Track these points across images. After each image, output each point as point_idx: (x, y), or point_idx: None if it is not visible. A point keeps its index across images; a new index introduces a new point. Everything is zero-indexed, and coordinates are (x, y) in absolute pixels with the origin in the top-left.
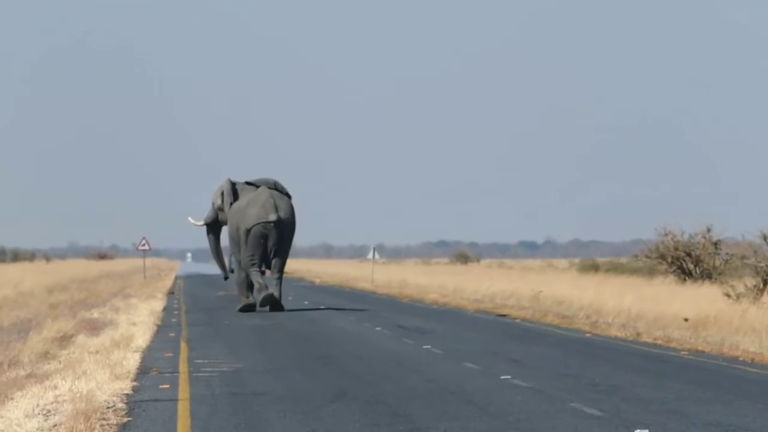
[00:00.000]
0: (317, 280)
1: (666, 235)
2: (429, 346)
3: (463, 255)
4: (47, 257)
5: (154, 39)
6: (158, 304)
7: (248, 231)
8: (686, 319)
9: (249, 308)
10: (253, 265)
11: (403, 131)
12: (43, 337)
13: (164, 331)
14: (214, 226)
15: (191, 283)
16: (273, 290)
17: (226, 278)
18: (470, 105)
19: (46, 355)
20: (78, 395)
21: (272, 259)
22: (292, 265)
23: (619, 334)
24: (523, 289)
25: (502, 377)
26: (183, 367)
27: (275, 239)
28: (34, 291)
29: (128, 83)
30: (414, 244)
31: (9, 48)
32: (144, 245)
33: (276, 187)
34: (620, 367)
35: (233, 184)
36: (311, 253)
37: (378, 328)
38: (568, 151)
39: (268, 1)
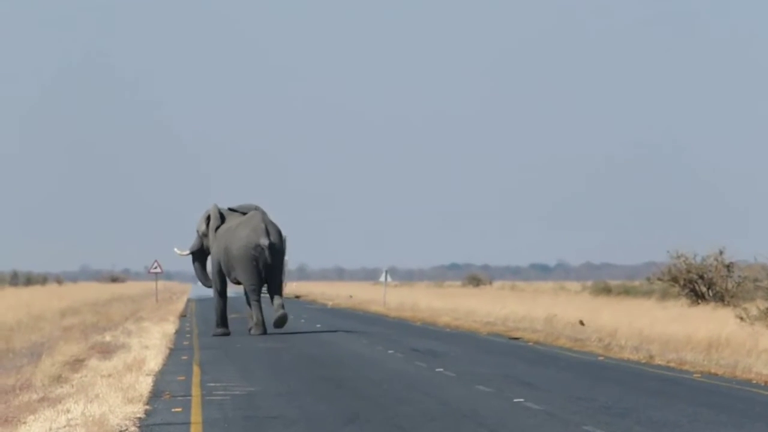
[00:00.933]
0: (330, 303)
1: (678, 257)
2: (442, 369)
3: (475, 278)
4: (59, 280)
5: (161, 67)
6: (170, 327)
7: (238, 252)
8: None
9: (225, 334)
10: (254, 291)
11: (416, 154)
12: (56, 361)
13: (177, 354)
14: (199, 255)
15: (203, 306)
16: (278, 312)
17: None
18: (481, 128)
19: (58, 379)
20: (91, 419)
21: (269, 282)
22: (305, 288)
23: (631, 357)
24: (535, 311)
25: (515, 400)
26: (195, 391)
27: (265, 263)
28: (46, 314)
29: (137, 107)
30: (426, 266)
31: (17, 71)
32: (156, 268)
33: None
34: (633, 390)
35: (219, 210)
36: (323, 275)
37: (391, 351)
38: (580, 173)
39: (281, 25)
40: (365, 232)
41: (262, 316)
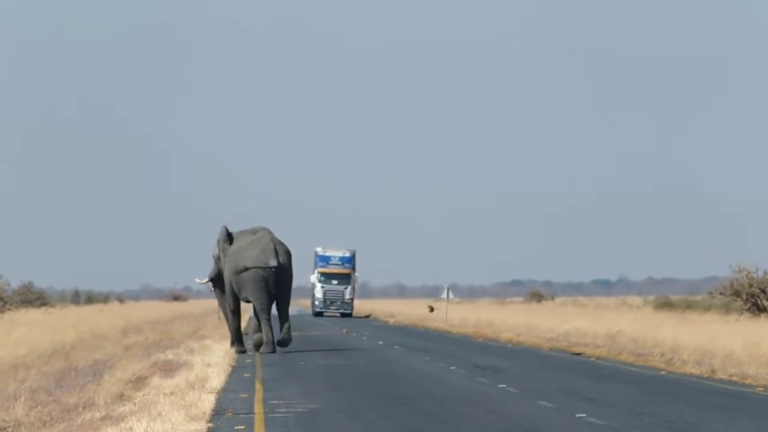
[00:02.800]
0: (391, 320)
1: (740, 271)
2: (504, 385)
3: (537, 294)
4: (121, 299)
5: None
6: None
7: (248, 273)
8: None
9: (242, 353)
10: (263, 310)
11: (477, 172)
12: (118, 379)
13: (239, 371)
14: (219, 281)
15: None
16: (285, 334)
17: (232, 344)
18: (544, 143)
19: (121, 397)
20: None
21: (277, 303)
22: (366, 306)
23: (694, 371)
24: (597, 327)
25: (577, 415)
26: (258, 408)
27: (274, 283)
28: (108, 333)
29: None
30: (488, 283)
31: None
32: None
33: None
34: (695, 405)
35: (227, 231)
36: (384, 292)
37: (453, 368)
38: (641, 188)
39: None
40: (427, 249)
41: (272, 334)
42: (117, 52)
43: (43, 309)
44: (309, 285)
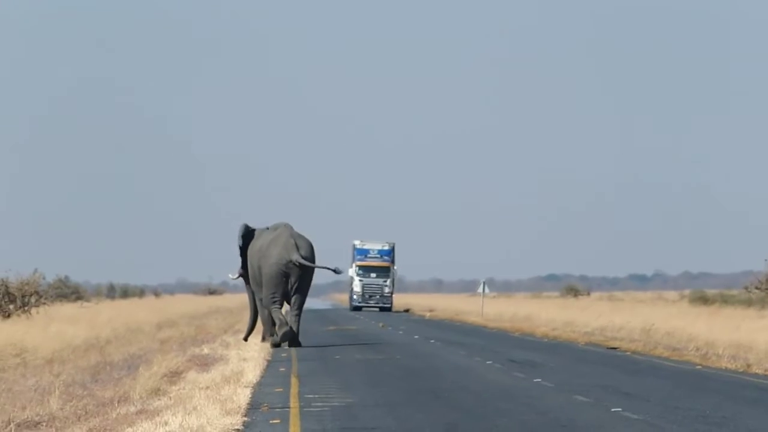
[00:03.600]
0: (427, 314)
1: None
2: (540, 380)
3: (573, 288)
4: (156, 293)
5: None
6: (269, 339)
7: (270, 270)
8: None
9: (277, 346)
10: (274, 302)
11: (513, 166)
12: (153, 373)
13: (274, 366)
14: (248, 277)
15: (301, 318)
16: (293, 325)
17: (245, 339)
18: (581, 135)
19: (156, 391)
20: (189, 431)
21: (292, 296)
22: (402, 300)
23: (729, 366)
24: (633, 321)
25: (613, 410)
26: (294, 402)
27: (296, 278)
28: (143, 327)
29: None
30: (524, 277)
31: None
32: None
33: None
34: (731, 399)
35: (248, 228)
36: (421, 287)
37: (489, 362)
38: (676, 183)
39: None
40: (464, 244)
41: (284, 317)
42: (145, 55)
43: (78, 303)
44: (345, 279)
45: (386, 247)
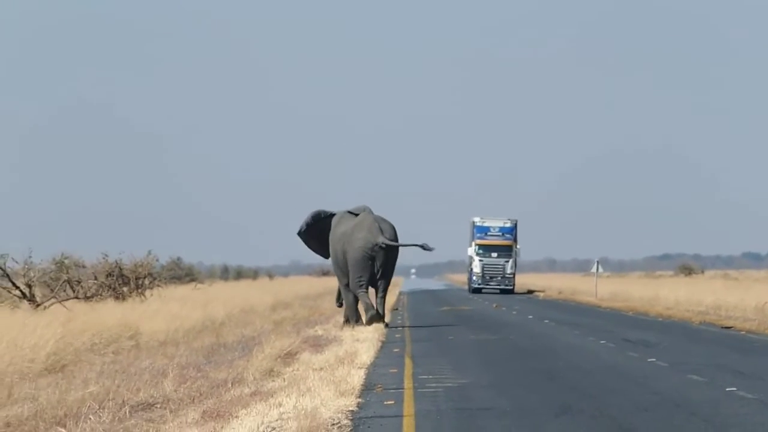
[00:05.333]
0: (541, 294)
1: None
2: (654, 359)
3: (687, 267)
4: (270, 274)
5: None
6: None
7: (356, 254)
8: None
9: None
10: (361, 286)
11: (630, 147)
12: (267, 355)
13: (388, 347)
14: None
15: (415, 299)
16: (379, 308)
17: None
18: (691, 119)
19: (270, 373)
20: (303, 412)
21: (378, 280)
22: (518, 280)
23: None
24: (747, 300)
25: (727, 389)
26: (408, 383)
27: (381, 261)
28: (257, 308)
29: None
30: (638, 257)
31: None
32: None
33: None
34: None
35: (319, 214)
36: (535, 267)
37: (602, 342)
38: None
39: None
40: (577, 224)
41: (370, 300)
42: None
43: (192, 285)
44: (457, 259)
45: (508, 225)
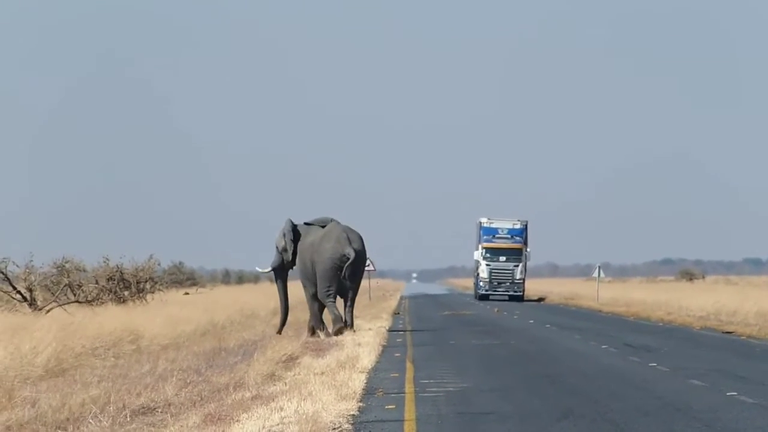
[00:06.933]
0: (536, 298)
1: None
2: (655, 364)
3: (688, 272)
4: (272, 279)
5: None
6: (384, 325)
7: (324, 264)
8: None
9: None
10: (329, 296)
11: (629, 152)
12: (268, 359)
13: (390, 351)
14: (280, 271)
15: (417, 303)
16: (347, 318)
17: (278, 332)
18: (692, 125)
19: (271, 377)
20: (304, 416)
21: (347, 290)
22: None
23: None
24: (748, 305)
25: (728, 394)
26: (409, 388)
27: (350, 272)
28: (258, 312)
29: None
30: (639, 262)
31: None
32: (369, 266)
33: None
34: None
35: (294, 224)
36: (537, 272)
37: (604, 346)
38: None
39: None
40: (578, 229)
41: (338, 311)
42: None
43: (193, 289)
44: (459, 264)
45: (518, 226)
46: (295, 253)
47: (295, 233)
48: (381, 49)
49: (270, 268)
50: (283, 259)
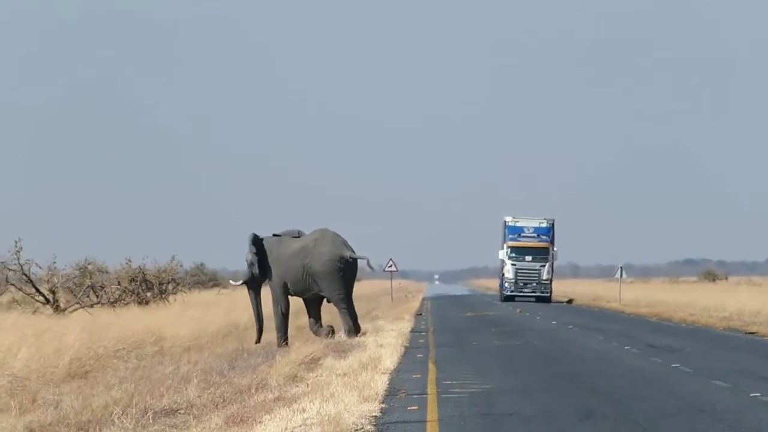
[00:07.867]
0: (565, 300)
1: None
2: (678, 365)
3: (711, 273)
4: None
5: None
6: (406, 326)
7: (324, 267)
8: None
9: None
10: (341, 299)
11: (650, 151)
12: (290, 360)
13: (412, 352)
14: (252, 284)
15: (439, 304)
16: (350, 321)
17: (257, 342)
18: (712, 122)
19: (293, 378)
20: (326, 418)
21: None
22: None
23: None
24: None
25: (751, 395)
26: (431, 389)
27: (347, 275)
28: None
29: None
30: (661, 262)
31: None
32: (391, 266)
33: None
34: None
35: (259, 238)
36: (558, 272)
37: (626, 347)
38: None
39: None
40: (600, 229)
41: (352, 321)
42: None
43: (215, 290)
44: (481, 265)
45: (544, 225)
46: (263, 267)
47: (259, 246)
48: (396, 48)
49: (241, 281)
50: (252, 273)
